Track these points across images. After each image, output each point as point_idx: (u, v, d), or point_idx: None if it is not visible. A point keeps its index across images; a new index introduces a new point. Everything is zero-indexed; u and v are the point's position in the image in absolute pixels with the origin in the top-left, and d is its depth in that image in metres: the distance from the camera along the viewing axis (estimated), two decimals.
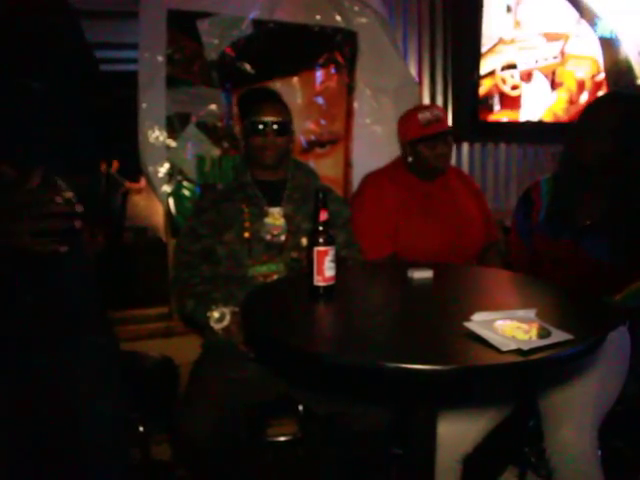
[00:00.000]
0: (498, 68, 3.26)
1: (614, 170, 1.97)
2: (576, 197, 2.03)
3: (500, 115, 3.37)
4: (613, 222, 1.96)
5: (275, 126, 2.12)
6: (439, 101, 3.38)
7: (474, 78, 3.32)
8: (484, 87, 3.30)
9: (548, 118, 3.48)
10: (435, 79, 3.38)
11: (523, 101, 3.32)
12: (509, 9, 3.22)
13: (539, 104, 3.37)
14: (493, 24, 3.20)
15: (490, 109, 3.32)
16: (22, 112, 1.30)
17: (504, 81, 3.28)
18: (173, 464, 2.36)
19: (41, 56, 1.34)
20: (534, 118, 3.46)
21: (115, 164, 5.02)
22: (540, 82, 3.34)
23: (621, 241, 1.95)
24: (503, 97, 3.29)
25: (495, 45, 3.22)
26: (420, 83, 3.30)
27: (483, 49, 3.21)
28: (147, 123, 2.60)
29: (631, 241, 1.95)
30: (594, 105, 2.06)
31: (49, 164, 1.17)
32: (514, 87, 3.30)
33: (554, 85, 3.38)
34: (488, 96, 3.31)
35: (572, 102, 3.40)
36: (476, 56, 3.31)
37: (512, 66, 3.27)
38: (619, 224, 1.96)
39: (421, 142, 2.43)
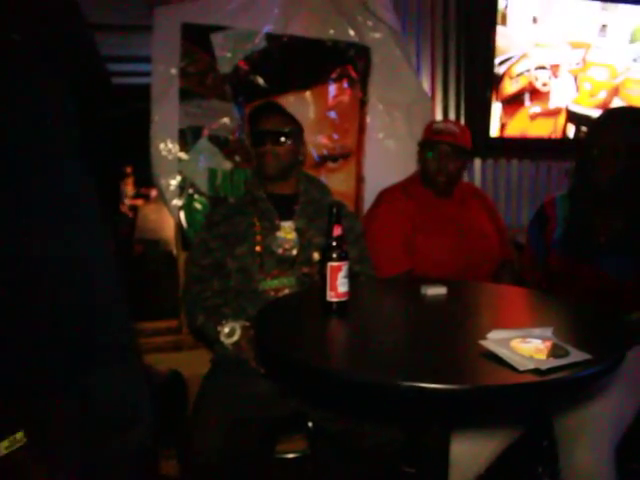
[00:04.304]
0: (532, 68, 3.42)
1: (628, 188, 1.95)
2: (592, 215, 2.01)
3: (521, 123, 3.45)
4: (629, 240, 1.94)
5: (272, 135, 2.12)
6: (451, 116, 3.37)
7: (486, 94, 3.32)
8: (519, 84, 3.41)
9: (557, 136, 3.52)
10: (448, 94, 3.37)
11: (551, 95, 3.51)
12: (535, 20, 3.37)
13: (565, 97, 3.54)
14: (521, 33, 3.37)
15: (522, 103, 3.46)
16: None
17: (537, 78, 3.44)
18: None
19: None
20: (546, 135, 3.51)
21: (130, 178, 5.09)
22: (566, 79, 3.52)
23: (638, 259, 1.93)
24: (534, 92, 3.46)
25: (528, 50, 3.40)
26: (433, 98, 3.30)
27: (516, 54, 3.37)
28: (159, 136, 2.60)
29: None
30: (602, 125, 2.03)
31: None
32: (544, 84, 3.46)
33: (577, 87, 3.56)
34: (522, 92, 3.43)
35: (592, 95, 3.59)
36: (489, 72, 3.30)
37: (543, 67, 3.45)
38: (635, 241, 1.94)
39: (425, 146, 2.48)
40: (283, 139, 2.14)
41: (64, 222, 1.25)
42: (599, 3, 3.48)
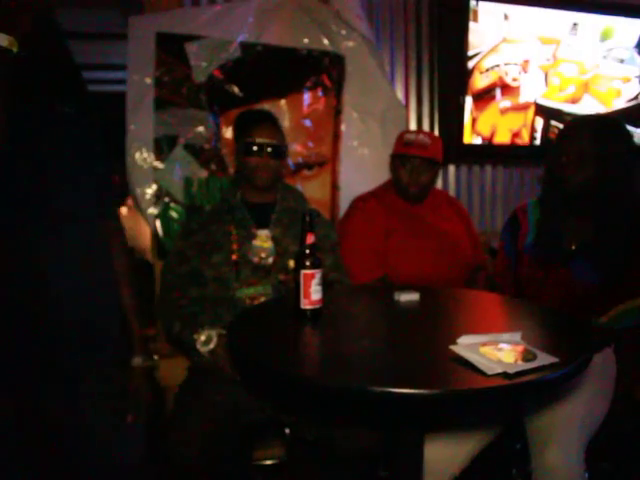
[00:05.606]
0: (502, 63, 3.47)
1: (596, 194, 1.99)
2: (562, 221, 2.05)
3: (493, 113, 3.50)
4: (599, 245, 1.98)
5: (270, 148, 2.13)
6: (425, 124, 3.42)
7: (459, 101, 3.36)
8: (489, 78, 3.46)
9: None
10: (422, 102, 3.41)
11: (521, 90, 3.56)
12: (506, 17, 3.43)
13: (535, 92, 3.60)
14: (492, 29, 3.42)
15: (492, 98, 3.50)
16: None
17: (507, 73, 3.50)
18: None
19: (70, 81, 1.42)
20: (521, 141, 3.56)
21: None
22: (536, 74, 3.58)
23: (607, 264, 1.97)
24: (505, 87, 3.51)
25: (498, 45, 3.44)
26: (407, 106, 3.34)
27: (485, 49, 3.42)
28: (135, 145, 2.61)
29: (617, 263, 1.97)
30: (570, 132, 2.07)
31: None
32: (514, 79, 3.53)
33: (547, 82, 3.63)
34: (492, 86, 3.48)
35: (561, 90, 3.66)
36: (462, 80, 3.35)
37: (514, 62, 3.51)
38: (604, 247, 1.98)
39: (396, 159, 2.51)
40: (279, 153, 2.16)
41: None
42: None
